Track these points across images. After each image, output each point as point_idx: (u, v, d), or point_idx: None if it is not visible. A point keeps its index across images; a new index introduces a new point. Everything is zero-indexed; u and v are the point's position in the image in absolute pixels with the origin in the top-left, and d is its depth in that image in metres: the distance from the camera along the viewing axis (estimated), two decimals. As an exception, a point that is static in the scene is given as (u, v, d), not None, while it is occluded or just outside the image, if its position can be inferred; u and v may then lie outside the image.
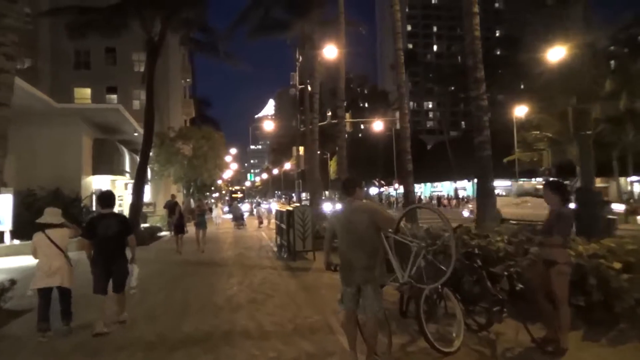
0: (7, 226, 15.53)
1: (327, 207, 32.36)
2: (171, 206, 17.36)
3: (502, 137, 56.88)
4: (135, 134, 24.03)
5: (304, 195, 33.85)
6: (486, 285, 5.00)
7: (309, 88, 24.87)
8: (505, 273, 4.79)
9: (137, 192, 18.81)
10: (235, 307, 7.06)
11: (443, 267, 4.94)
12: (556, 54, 28.66)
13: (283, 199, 61.53)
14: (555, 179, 19.03)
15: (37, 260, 5.89)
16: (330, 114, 30.82)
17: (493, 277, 5.14)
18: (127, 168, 25.09)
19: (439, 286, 4.90)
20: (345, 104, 15.67)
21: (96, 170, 21.88)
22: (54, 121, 19.00)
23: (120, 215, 6.55)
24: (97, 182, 22.52)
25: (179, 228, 14.28)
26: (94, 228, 5.97)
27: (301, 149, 25.15)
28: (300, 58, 25.61)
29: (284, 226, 14.26)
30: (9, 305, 6.98)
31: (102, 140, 22.38)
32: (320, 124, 19.02)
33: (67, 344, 5.50)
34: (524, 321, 4.84)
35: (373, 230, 4.34)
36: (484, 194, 9.05)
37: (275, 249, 15.24)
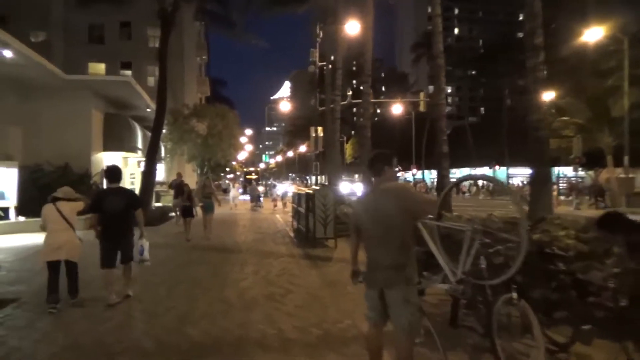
0: (12, 202, 14.78)
1: (346, 189, 31.40)
2: (177, 186, 16.23)
3: (524, 124, 55.16)
4: (148, 110, 23.11)
5: (320, 178, 32.82)
6: (571, 296, 3.91)
7: (330, 65, 23.61)
8: (611, 284, 3.66)
9: (148, 169, 17.95)
10: (249, 304, 6.05)
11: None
12: (592, 35, 26.91)
13: (298, 181, 60.58)
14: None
15: (41, 237, 5.92)
16: (350, 93, 29.52)
17: (579, 286, 4.01)
18: (140, 145, 24.22)
19: (511, 293, 3.80)
20: (370, 79, 14.44)
21: (107, 147, 21.04)
22: (63, 94, 18.16)
23: (127, 190, 6.60)
24: (108, 159, 21.67)
25: (187, 211, 12.74)
26: (101, 202, 5.98)
27: (319, 129, 23.96)
28: (321, 34, 24.30)
29: (302, 210, 13.23)
30: (-9, 294, 6.08)
31: (113, 115, 21.49)
32: (342, 103, 17.82)
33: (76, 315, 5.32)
34: (623, 343, 3.73)
35: (405, 219, 3.34)
36: (539, 180, 7.90)
37: (292, 234, 14.24)
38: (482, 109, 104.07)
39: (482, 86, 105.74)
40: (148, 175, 17.73)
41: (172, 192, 36.90)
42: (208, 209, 12.88)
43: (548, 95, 39.93)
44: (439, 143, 10.09)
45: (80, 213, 6.17)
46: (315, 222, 10.88)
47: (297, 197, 14.55)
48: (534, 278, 4.27)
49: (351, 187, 34.46)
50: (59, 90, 18.03)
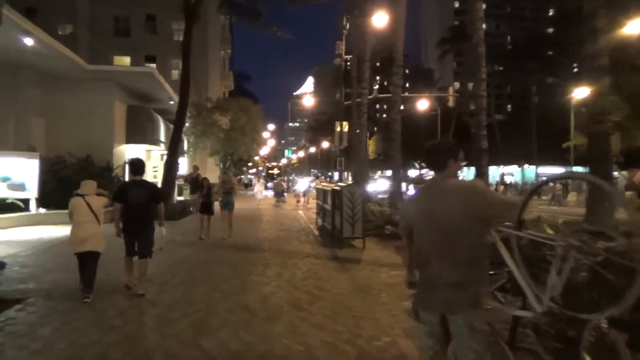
0: (32, 193, 14.56)
1: (375, 187, 30.74)
2: (193, 181, 15.39)
3: (553, 122, 53.30)
4: (171, 102, 22.79)
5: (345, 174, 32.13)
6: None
7: (356, 58, 22.88)
8: None
9: (170, 162, 17.59)
10: (273, 312, 5.44)
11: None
12: (634, 27, 25.47)
13: (322, 177, 59.98)
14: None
15: (60, 230, 6.72)
16: (377, 87, 28.71)
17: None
18: (162, 138, 23.94)
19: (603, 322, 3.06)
20: (401, 71, 13.69)
21: (129, 139, 20.79)
22: (86, 86, 17.94)
23: (150, 184, 6.64)
24: (131, 152, 21.45)
25: (206, 207, 11.70)
26: (125, 194, 6.05)
27: (345, 124, 23.28)
28: (348, 26, 23.55)
29: (327, 207, 12.61)
30: (-5, 294, 5.62)
31: (136, 107, 21.22)
32: (369, 97, 17.09)
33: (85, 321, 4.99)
34: None
35: (474, 224, 2.64)
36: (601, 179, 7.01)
37: (316, 231, 13.64)
38: (509, 106, 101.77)
39: (509, 83, 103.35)
40: (170, 168, 17.37)
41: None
42: (227, 205, 11.89)
43: (581, 92, 38.50)
44: (477, 138, 9.32)
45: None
46: (342, 221, 10.23)
47: (322, 193, 13.94)
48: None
49: (378, 185, 33.84)
50: (81, 81, 17.81)
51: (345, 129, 23.76)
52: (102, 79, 18.19)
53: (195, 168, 16.69)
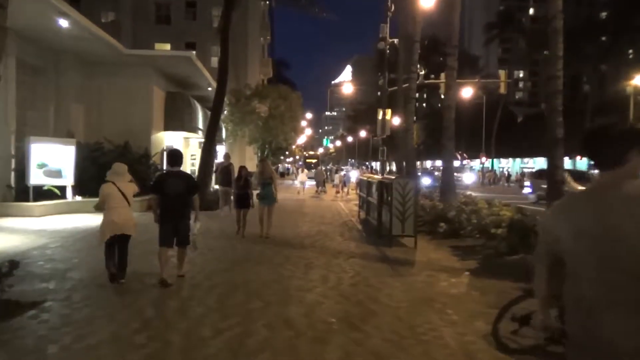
0: (69, 180, 14.26)
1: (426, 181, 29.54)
2: (224, 170, 13.78)
3: (607, 111, 50.02)
4: (210, 89, 22.23)
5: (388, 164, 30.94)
6: None
7: (400, 41, 21.59)
8: None
9: (208, 150, 16.97)
10: (321, 332, 4.53)
11: None
12: None
13: (364, 167, 58.77)
14: None
15: (96, 219, 6.26)
16: (423, 72, 27.27)
17: None
18: (201, 126, 23.50)
19: None
20: (457, 52, 12.41)
21: (168, 126, 20.42)
22: (124, 71, 17.59)
23: (187, 175, 6.70)
24: (169, 139, 21.10)
25: (243, 200, 10.25)
26: (163, 185, 6.15)
27: (388, 111, 22.09)
28: (393, 7, 22.26)
29: (373, 200, 11.64)
30: (9, 296, 4.98)
31: (174, 93, 20.80)
32: (418, 82, 15.86)
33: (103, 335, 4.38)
34: None
35: None
36: None
37: (359, 226, 12.70)
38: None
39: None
40: (207, 156, 16.76)
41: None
42: (266, 198, 10.15)
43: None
44: (552, 126, 8.08)
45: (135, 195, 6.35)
46: (392, 217, 9.25)
47: (366, 185, 12.97)
48: None
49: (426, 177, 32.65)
50: (120, 66, 17.45)
51: (388, 116, 22.56)
52: (140, 64, 17.76)
53: (227, 156, 14.89)
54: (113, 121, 17.27)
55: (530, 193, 22.96)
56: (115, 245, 6.04)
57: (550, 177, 8.13)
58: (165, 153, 20.29)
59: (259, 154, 35.22)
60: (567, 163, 56.43)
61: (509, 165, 66.70)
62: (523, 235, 6.96)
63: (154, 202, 6.18)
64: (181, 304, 5.29)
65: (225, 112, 28.88)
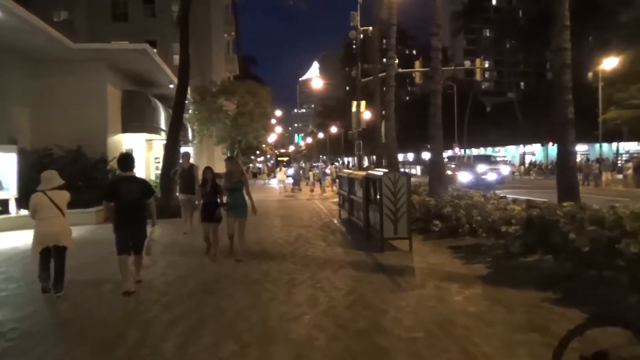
0: (11, 192, 12.59)
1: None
2: (185, 175, 10.72)
3: (575, 97, 50.45)
4: (171, 86, 20.68)
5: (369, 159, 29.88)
6: None
7: (373, 28, 20.58)
8: None
9: (170, 152, 15.49)
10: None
11: None
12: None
13: (337, 164, 57.73)
14: None
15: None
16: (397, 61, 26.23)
17: None
18: (164, 126, 21.88)
19: None
20: (440, 31, 11.29)
21: (126, 128, 18.77)
22: (74, 69, 15.95)
23: (141, 179, 6.61)
24: (129, 142, 19.47)
25: (210, 212, 7.82)
26: (117, 191, 5.94)
27: (362, 103, 21.05)
28: (363, -6, 21.21)
29: (357, 199, 10.49)
30: None
31: (132, 92, 19.16)
32: (402, 70, 14.74)
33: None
34: None
35: None
36: None
37: (342, 227, 11.54)
38: (522, 84, 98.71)
39: (523, 61, 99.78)
40: (170, 158, 15.28)
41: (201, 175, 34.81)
42: (236, 208, 7.62)
43: (610, 63, 35.72)
44: (561, 105, 7.08)
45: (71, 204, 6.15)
46: (382, 217, 8.10)
47: (348, 182, 11.81)
48: None
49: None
50: (69, 63, 15.79)
51: (363, 108, 21.51)
52: (91, 59, 16.10)
53: (187, 157, 11.42)
54: (63, 124, 15.61)
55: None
56: (51, 257, 5.77)
57: (562, 165, 7.14)
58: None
59: (228, 154, 33.73)
60: (539, 150, 56.88)
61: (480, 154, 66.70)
62: (543, 233, 5.92)
63: (109, 211, 6.01)
64: (129, 350, 3.99)
65: (190, 110, 27.29)
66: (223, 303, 5.37)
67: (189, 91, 28.18)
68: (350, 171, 12.50)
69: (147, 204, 6.09)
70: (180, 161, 11.68)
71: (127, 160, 6.25)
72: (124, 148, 18.81)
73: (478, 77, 24.97)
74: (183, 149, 32.77)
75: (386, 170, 9.34)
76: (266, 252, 8.47)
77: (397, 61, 24.32)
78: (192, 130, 27.78)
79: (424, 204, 10.10)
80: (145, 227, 6.14)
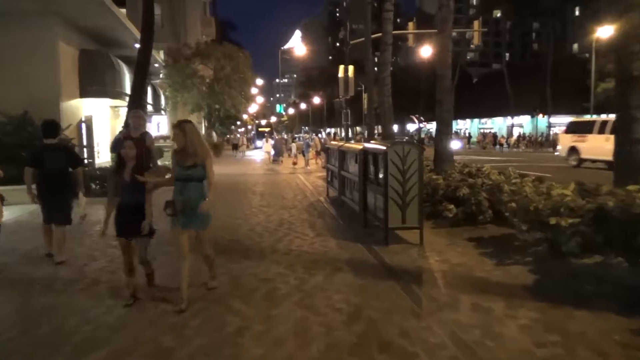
0: (-62, 167, 10.50)
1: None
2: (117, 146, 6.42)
3: (564, 69, 49.06)
4: (137, 45, 18.34)
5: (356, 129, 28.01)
6: None
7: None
8: None
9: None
10: None
11: None
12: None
13: (320, 135, 55.57)
14: None
15: None
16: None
17: None
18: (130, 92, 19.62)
19: None
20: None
21: (85, 92, 16.57)
22: (19, 23, 13.69)
23: (66, 146, 6.54)
24: (89, 108, 17.26)
25: (129, 219, 4.35)
26: (41, 158, 5.71)
27: (350, 68, 19.08)
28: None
29: (352, 177, 8.76)
30: None
31: (91, 52, 16.86)
32: (399, 32, 12.72)
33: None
34: None
35: None
36: None
37: (332, 210, 9.81)
38: (507, 54, 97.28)
39: (509, 31, 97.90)
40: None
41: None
42: (192, 216, 4.27)
43: (605, 32, 34.15)
44: (626, 59, 5.36)
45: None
46: (388, 202, 6.38)
47: (339, 156, 10.02)
48: None
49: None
50: (12, 16, 13.50)
51: (351, 73, 19.55)
52: (39, 13, 13.73)
53: (137, 119, 7.01)
54: (7, 87, 13.47)
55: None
56: None
57: (624, 135, 5.49)
58: (83, 125, 16.56)
59: (205, 124, 31.49)
60: (527, 121, 55.71)
61: (467, 126, 65.54)
62: (622, 231, 4.29)
63: (27, 177, 5.67)
64: None
65: (162, 75, 24.96)
66: (167, 340, 3.61)
67: (161, 55, 25.86)
68: (341, 143, 10.68)
69: (73, 173, 5.87)
70: (123, 128, 8.64)
71: (50, 126, 5.97)
72: (83, 115, 16.67)
73: (476, 40, 23.09)
74: (156, 119, 30.45)
75: (389, 141, 7.56)
76: (239, 245, 6.70)
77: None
78: (165, 98, 25.49)
79: (431, 183, 8.40)
80: (71, 198, 6.00)
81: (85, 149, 16.39)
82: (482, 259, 5.71)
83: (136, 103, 13.50)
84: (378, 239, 6.63)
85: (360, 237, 6.99)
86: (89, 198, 7.76)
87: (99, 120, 18.77)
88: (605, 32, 33.85)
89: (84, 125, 16.53)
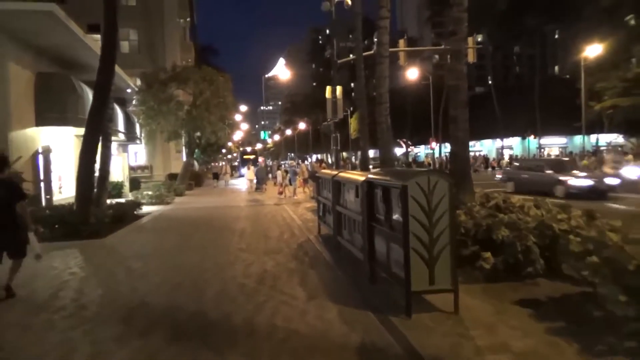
0: None
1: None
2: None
3: (552, 89, 48.49)
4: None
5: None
6: None
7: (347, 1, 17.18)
8: None
9: (89, 149, 11.47)
10: None
11: None
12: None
13: (307, 162, 53.89)
14: None
15: None
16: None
17: None
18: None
19: None
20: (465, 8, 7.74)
21: (42, 120, 14.73)
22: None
23: (8, 182, 5.98)
24: (48, 138, 15.31)
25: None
26: None
27: (338, 89, 17.53)
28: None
29: (352, 215, 6.93)
30: None
31: (49, 75, 15.06)
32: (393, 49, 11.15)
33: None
34: None
35: None
36: None
37: (326, 255, 7.93)
38: (489, 78, 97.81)
39: (491, 54, 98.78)
40: (89, 158, 11.32)
41: (157, 176, 30.09)
42: None
43: (593, 50, 33.40)
44: None
45: None
46: (410, 257, 4.57)
47: (334, 187, 8.18)
48: None
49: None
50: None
51: (339, 95, 17.99)
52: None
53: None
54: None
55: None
56: None
57: None
58: (40, 157, 14.58)
59: (186, 151, 29.63)
60: (517, 143, 54.81)
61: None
62: None
63: None
64: None
65: (135, 101, 23.15)
66: None
67: (138, 82, 24.07)
68: (335, 172, 8.85)
69: (20, 207, 5.65)
70: None
71: None
72: (40, 145, 14.70)
73: (471, 58, 21.81)
74: (132, 148, 28.38)
75: (403, 170, 5.81)
76: (202, 321, 4.78)
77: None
78: (140, 125, 23.59)
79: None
80: (18, 232, 5.71)
81: (42, 184, 14.41)
82: (555, 340, 3.88)
83: (94, 129, 11.62)
84: (395, 304, 4.78)
85: (370, 300, 5.13)
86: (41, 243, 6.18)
87: (62, 150, 16.77)
88: (592, 51, 33.15)
89: (40, 157, 14.53)
